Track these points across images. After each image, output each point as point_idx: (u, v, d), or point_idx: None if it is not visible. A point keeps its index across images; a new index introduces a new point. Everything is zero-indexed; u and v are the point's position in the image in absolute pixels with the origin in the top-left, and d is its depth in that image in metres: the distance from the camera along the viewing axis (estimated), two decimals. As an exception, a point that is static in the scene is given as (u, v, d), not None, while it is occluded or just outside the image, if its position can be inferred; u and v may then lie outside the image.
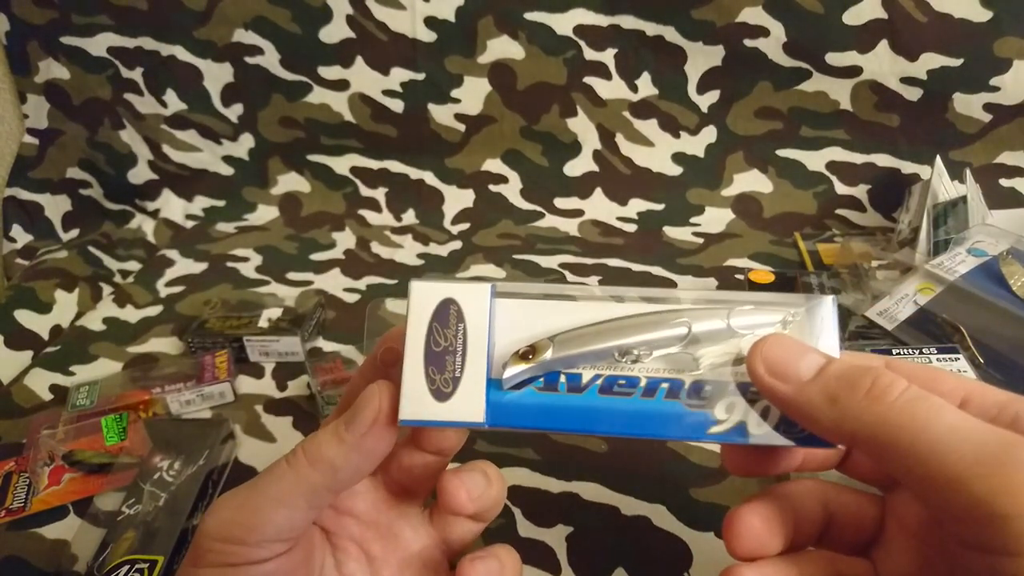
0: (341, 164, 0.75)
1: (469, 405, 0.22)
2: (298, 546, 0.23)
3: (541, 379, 0.23)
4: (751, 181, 0.69)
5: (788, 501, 0.23)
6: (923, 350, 0.43)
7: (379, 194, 0.75)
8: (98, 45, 0.70)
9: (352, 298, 0.62)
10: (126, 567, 0.35)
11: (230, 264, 0.68)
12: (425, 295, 0.23)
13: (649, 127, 0.69)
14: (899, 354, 0.43)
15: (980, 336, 0.45)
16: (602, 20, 0.65)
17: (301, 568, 0.24)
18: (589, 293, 0.24)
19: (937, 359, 0.42)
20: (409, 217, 0.74)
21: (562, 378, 0.23)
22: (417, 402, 0.22)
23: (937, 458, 0.17)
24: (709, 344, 0.23)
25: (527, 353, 0.23)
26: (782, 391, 0.21)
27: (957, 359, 0.42)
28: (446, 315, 0.23)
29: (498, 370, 0.23)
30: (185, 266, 0.68)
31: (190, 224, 0.76)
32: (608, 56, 0.67)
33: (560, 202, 0.72)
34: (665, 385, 0.22)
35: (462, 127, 0.72)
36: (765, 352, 0.21)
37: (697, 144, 0.69)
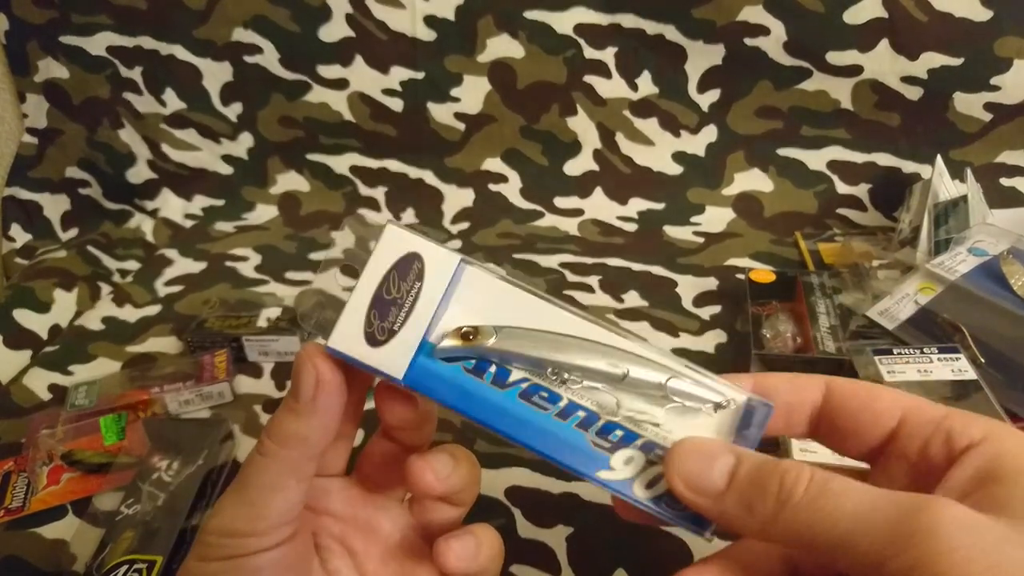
0: (340, 163, 0.75)
1: (394, 359, 0.22)
2: (299, 536, 0.24)
3: (473, 361, 0.23)
4: (752, 180, 0.69)
5: (742, 560, 0.22)
6: (924, 350, 0.43)
7: (378, 193, 0.75)
8: (97, 44, 0.70)
9: (352, 298, 0.61)
10: (125, 567, 0.35)
11: (229, 264, 0.68)
12: (396, 241, 0.23)
13: (649, 126, 0.69)
14: (900, 354, 0.43)
15: (981, 335, 0.45)
16: (602, 19, 0.65)
17: (303, 559, 0.24)
18: (559, 304, 0.24)
19: (938, 359, 0.42)
20: (409, 216, 0.74)
21: (492, 368, 0.23)
22: (349, 337, 0.22)
23: (852, 547, 0.17)
24: (637, 395, 0.23)
25: (469, 334, 0.23)
26: (703, 506, 0.20)
27: (958, 359, 0.42)
28: (407, 268, 0.23)
29: (438, 336, 0.23)
30: (184, 266, 0.68)
31: (189, 224, 0.76)
32: (608, 55, 0.67)
33: (560, 201, 0.72)
34: (581, 414, 0.23)
35: (462, 126, 0.71)
36: (679, 466, 0.21)
37: (698, 143, 0.69)
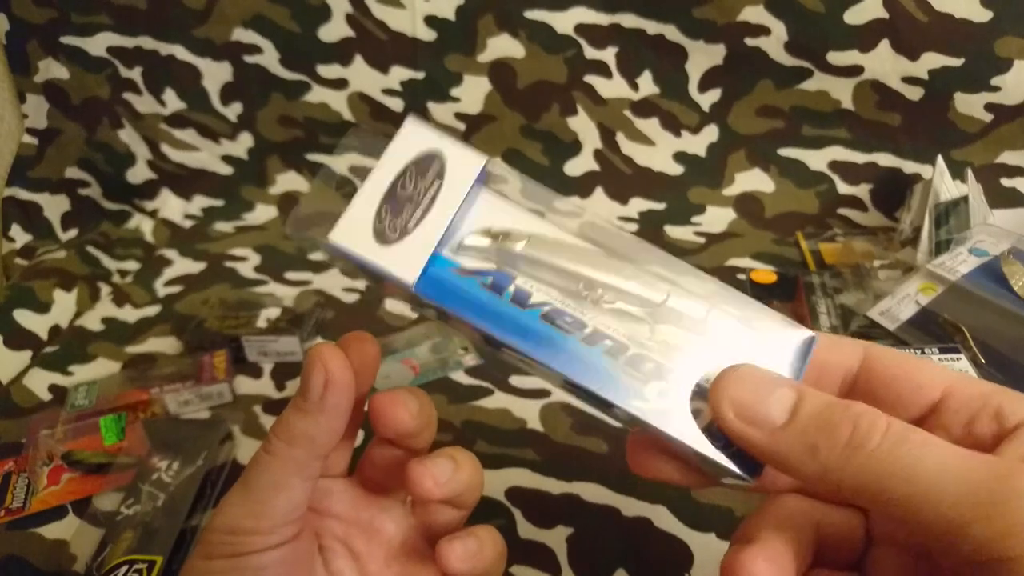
0: (340, 163, 0.75)
1: (406, 261, 0.20)
2: (302, 535, 0.24)
3: (491, 278, 0.21)
4: (753, 180, 0.69)
5: (786, 532, 0.21)
6: (924, 350, 0.43)
7: (379, 193, 0.75)
8: (97, 45, 0.70)
9: (351, 298, 0.61)
10: (125, 567, 0.35)
11: (228, 264, 0.68)
12: (416, 136, 0.21)
13: (650, 126, 0.69)
14: None
15: (982, 336, 0.45)
16: (603, 19, 0.65)
17: (306, 559, 0.24)
18: (590, 232, 0.22)
19: (939, 359, 0.42)
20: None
21: (511, 287, 0.21)
22: (355, 232, 0.20)
23: (931, 506, 0.16)
24: (675, 325, 0.21)
25: (498, 235, 0.21)
26: (755, 439, 0.19)
27: (959, 359, 0.42)
28: (427, 165, 0.21)
29: (453, 249, 0.21)
30: (183, 266, 0.68)
31: (188, 224, 0.76)
32: (609, 55, 0.66)
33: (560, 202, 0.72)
34: (609, 343, 0.21)
35: (462, 126, 0.71)
36: (732, 392, 0.19)
37: (698, 143, 0.69)
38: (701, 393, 0.20)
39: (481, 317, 0.20)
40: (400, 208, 0.21)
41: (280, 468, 0.23)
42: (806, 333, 0.21)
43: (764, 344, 0.21)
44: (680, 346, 0.21)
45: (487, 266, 0.21)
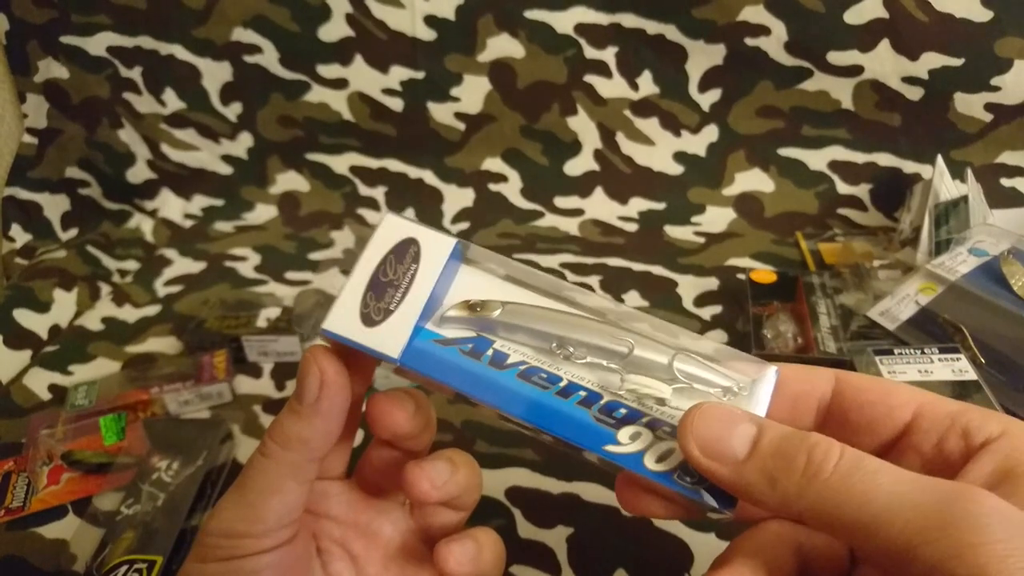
0: (340, 163, 0.75)
1: (390, 339, 0.22)
2: (298, 538, 0.24)
3: (470, 345, 0.23)
4: (752, 180, 0.69)
5: (760, 557, 0.21)
6: (924, 350, 0.43)
7: (378, 193, 0.75)
8: (97, 44, 0.70)
9: (352, 298, 0.61)
10: (124, 567, 0.35)
11: (228, 264, 0.68)
12: (393, 228, 0.24)
13: (650, 126, 0.69)
14: (900, 354, 0.43)
15: (981, 336, 0.45)
16: (603, 18, 0.65)
17: (303, 561, 0.24)
18: (554, 289, 0.24)
19: (939, 359, 0.42)
20: (408, 216, 0.74)
21: (489, 351, 0.23)
22: (345, 319, 0.22)
23: (883, 529, 0.17)
24: (642, 373, 0.23)
25: (475, 306, 0.23)
26: (721, 473, 0.20)
27: (958, 359, 0.42)
28: (404, 252, 0.23)
29: (436, 321, 0.23)
30: (183, 265, 0.68)
31: (188, 223, 0.76)
32: (609, 55, 0.66)
33: (560, 201, 0.72)
34: (583, 393, 0.23)
35: (462, 126, 0.71)
36: (696, 430, 0.20)
37: (698, 143, 0.69)
38: (672, 433, 0.22)
39: (461, 381, 0.23)
40: (382, 293, 0.23)
41: (275, 471, 0.23)
42: (770, 368, 0.23)
43: (731, 382, 0.23)
44: (649, 392, 0.22)
45: (467, 334, 0.24)
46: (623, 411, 0.22)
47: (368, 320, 0.22)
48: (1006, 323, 0.45)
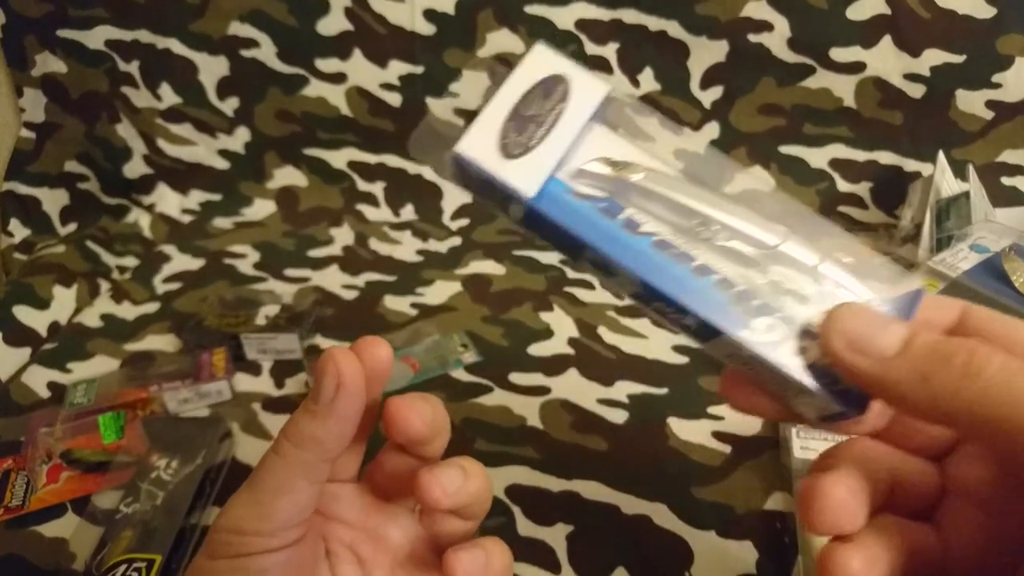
0: (338, 158, 0.74)
1: (526, 175, 0.21)
2: (307, 539, 0.24)
3: (604, 204, 0.22)
4: (753, 178, 0.69)
5: (863, 468, 0.21)
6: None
7: (377, 188, 0.75)
8: (95, 38, 0.70)
9: (350, 295, 0.61)
10: (124, 566, 0.35)
11: (227, 261, 0.68)
12: (544, 60, 0.22)
13: (649, 123, 0.69)
14: None
15: None
16: (604, 14, 0.65)
17: (310, 563, 0.24)
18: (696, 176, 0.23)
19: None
20: (408, 212, 0.74)
21: (623, 215, 0.22)
22: (481, 146, 0.21)
23: None
24: (786, 268, 0.21)
25: (618, 164, 0.22)
26: (864, 367, 0.19)
27: None
28: (553, 88, 0.22)
29: (567, 174, 0.22)
30: (182, 262, 0.68)
31: (187, 219, 0.75)
32: (610, 51, 0.66)
33: (560, 198, 0.72)
34: (718, 277, 0.21)
35: (461, 122, 0.71)
36: (843, 324, 0.20)
37: (698, 141, 0.69)
38: (808, 333, 0.21)
39: (596, 236, 0.21)
40: (524, 126, 0.21)
41: (287, 470, 0.23)
42: (914, 286, 0.22)
43: (874, 294, 0.22)
44: (790, 289, 0.21)
45: (600, 194, 0.22)
46: (758, 302, 0.21)
47: (505, 152, 0.21)
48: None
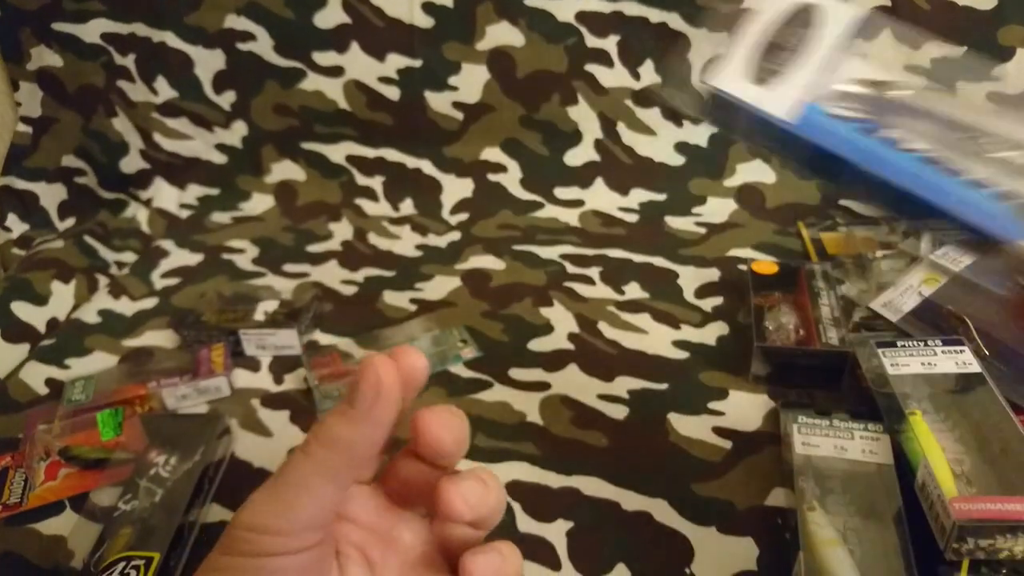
0: (336, 152, 0.74)
1: (783, 100, 0.22)
2: (325, 543, 0.24)
3: (863, 125, 0.22)
4: (754, 171, 0.69)
5: None
6: (928, 342, 0.43)
7: (376, 183, 0.74)
8: (91, 32, 0.69)
9: (349, 290, 0.61)
10: (122, 563, 0.35)
11: (226, 256, 0.67)
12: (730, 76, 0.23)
13: (651, 116, 0.68)
14: (903, 346, 0.43)
15: (985, 327, 0.45)
16: (604, 6, 0.64)
17: (325, 567, 0.24)
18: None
19: (942, 351, 0.42)
20: (407, 207, 0.73)
21: (882, 134, 0.22)
22: (732, 76, 0.22)
23: None
24: None
25: (880, 84, 0.22)
26: None
27: (962, 351, 0.42)
28: (804, 16, 0.22)
29: (821, 97, 0.22)
30: (180, 257, 0.68)
31: (185, 213, 0.75)
32: (610, 43, 0.66)
33: (560, 192, 0.72)
34: (995, 189, 0.21)
35: (460, 115, 0.71)
36: None
37: (700, 134, 0.68)
38: None
39: (863, 156, 0.21)
40: (774, 55, 0.22)
41: (314, 471, 0.23)
42: None
43: None
44: None
45: (858, 115, 0.22)
46: None
47: (757, 79, 0.22)
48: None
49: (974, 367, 0.40)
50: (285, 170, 0.75)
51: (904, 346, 0.43)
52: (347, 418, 0.23)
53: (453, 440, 0.24)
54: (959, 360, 0.41)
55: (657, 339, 0.52)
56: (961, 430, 0.37)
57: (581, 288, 0.59)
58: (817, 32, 0.22)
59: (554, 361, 0.51)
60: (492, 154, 0.72)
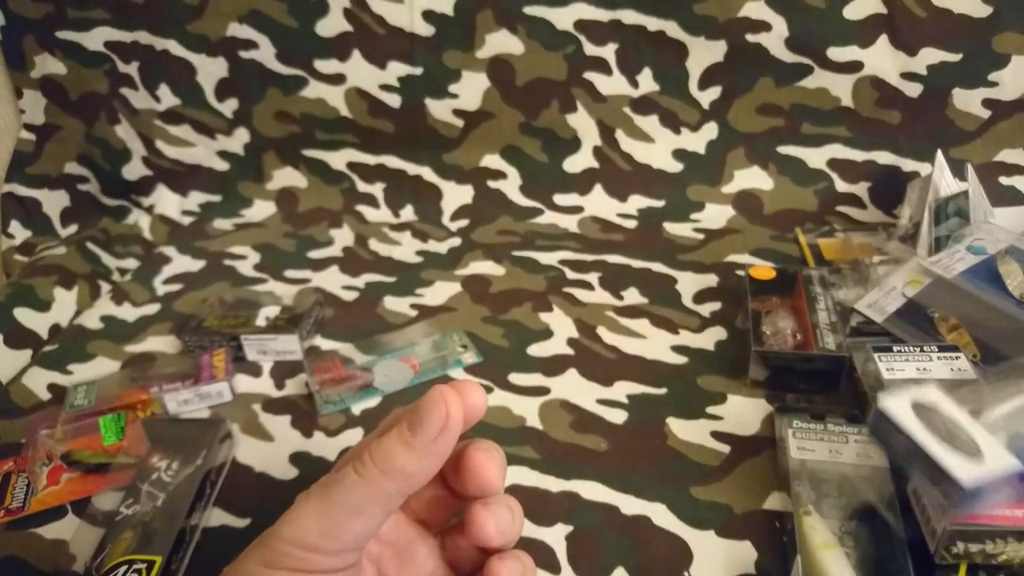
0: (337, 159, 0.74)
1: (1001, 458, 0.29)
2: (360, 562, 0.24)
3: None
4: (752, 178, 0.69)
5: None
6: (923, 348, 0.43)
7: (376, 189, 0.75)
8: (94, 39, 0.70)
9: (350, 296, 0.61)
10: (124, 567, 0.35)
11: (228, 262, 0.68)
12: (897, 406, 0.33)
13: (650, 123, 0.69)
14: (899, 351, 0.43)
15: (971, 330, 0.45)
16: (603, 15, 0.65)
17: None
18: None
19: (937, 357, 0.42)
20: (407, 213, 0.74)
21: None
22: (963, 467, 0.29)
23: None
24: None
25: None
26: None
27: (958, 357, 0.42)
28: (924, 413, 0.31)
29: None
30: (183, 263, 0.68)
31: (187, 220, 0.76)
32: (609, 51, 0.66)
33: (559, 198, 0.72)
34: None
35: (460, 123, 0.71)
36: None
37: (698, 140, 0.69)
38: None
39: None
40: (954, 440, 0.30)
41: (368, 494, 0.22)
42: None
43: None
44: None
45: None
46: None
47: (971, 458, 0.29)
48: (994, 317, 0.45)
49: (969, 373, 0.41)
50: (287, 177, 0.76)
51: (900, 351, 0.43)
52: (410, 448, 0.22)
53: (502, 479, 0.25)
54: (954, 366, 0.42)
55: (656, 344, 0.53)
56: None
57: (580, 293, 0.59)
58: (941, 412, 0.31)
59: (554, 366, 0.51)
60: (492, 161, 0.72)
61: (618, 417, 0.46)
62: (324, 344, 0.55)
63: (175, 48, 0.70)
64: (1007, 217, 0.58)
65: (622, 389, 0.48)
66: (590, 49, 0.66)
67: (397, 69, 0.69)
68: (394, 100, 0.70)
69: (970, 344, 0.45)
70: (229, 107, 0.72)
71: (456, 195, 0.73)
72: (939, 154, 0.60)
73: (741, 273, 0.57)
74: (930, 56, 0.60)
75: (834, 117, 0.65)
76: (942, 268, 0.49)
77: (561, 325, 0.55)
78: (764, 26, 0.62)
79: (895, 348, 0.43)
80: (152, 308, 0.61)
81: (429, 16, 0.66)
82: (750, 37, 0.63)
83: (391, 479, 0.22)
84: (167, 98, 0.72)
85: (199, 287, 0.64)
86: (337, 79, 0.70)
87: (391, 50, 0.68)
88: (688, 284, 0.60)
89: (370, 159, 0.74)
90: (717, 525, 0.38)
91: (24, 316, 0.58)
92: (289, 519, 0.23)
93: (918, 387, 0.33)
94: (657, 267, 0.62)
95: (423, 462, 0.22)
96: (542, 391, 0.48)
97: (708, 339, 0.53)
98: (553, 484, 0.41)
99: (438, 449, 0.22)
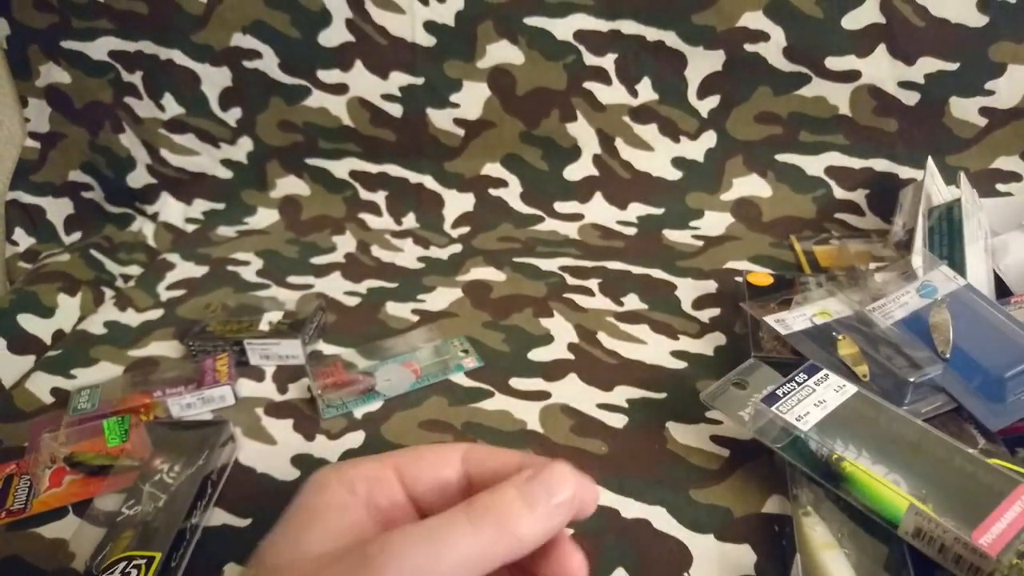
0: (340, 168, 0.75)
1: None
2: None
3: None
4: (750, 186, 0.70)
5: None
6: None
7: (379, 198, 0.75)
8: (99, 49, 0.70)
9: (353, 301, 0.62)
10: (124, 563, 0.35)
11: (231, 268, 0.68)
12: None
13: (649, 132, 0.70)
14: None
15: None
16: (602, 25, 0.66)
17: None
18: None
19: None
20: (409, 221, 0.74)
21: None
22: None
23: None
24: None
25: None
26: None
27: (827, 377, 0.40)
28: None
29: None
30: (186, 270, 0.69)
31: (190, 228, 0.76)
32: (608, 61, 0.67)
33: (560, 206, 0.73)
34: None
35: (461, 132, 0.72)
36: None
37: (697, 149, 0.70)
38: None
39: None
40: None
41: (477, 554, 0.21)
42: None
43: None
44: None
45: None
46: None
47: None
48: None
49: (850, 388, 0.39)
50: (290, 185, 0.76)
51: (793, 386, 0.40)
52: (535, 521, 0.21)
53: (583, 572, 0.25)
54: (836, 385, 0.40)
55: (656, 349, 0.53)
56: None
57: (581, 299, 0.60)
58: None
59: (554, 370, 0.51)
60: (493, 169, 0.73)
61: (618, 421, 0.46)
62: (326, 349, 0.55)
63: (179, 58, 0.71)
64: (997, 208, 0.58)
65: (622, 394, 0.49)
66: (590, 59, 0.67)
67: (399, 79, 0.70)
68: (396, 109, 0.71)
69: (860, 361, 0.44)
70: (233, 116, 0.73)
71: (457, 203, 0.74)
72: (930, 161, 0.60)
73: (739, 279, 0.58)
74: (928, 65, 0.61)
75: (832, 125, 0.66)
76: (882, 314, 0.47)
77: (562, 330, 0.56)
78: (762, 36, 0.63)
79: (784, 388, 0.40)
80: (155, 313, 0.62)
81: (431, 27, 0.67)
82: (748, 47, 0.63)
83: (505, 543, 0.21)
84: (171, 107, 0.73)
85: (202, 292, 0.64)
86: (340, 89, 0.71)
87: (393, 60, 0.69)
88: (687, 290, 0.60)
89: (372, 167, 0.75)
90: (716, 528, 0.38)
91: (27, 322, 0.58)
92: (389, 547, 0.21)
93: None
94: (657, 273, 0.63)
95: (541, 537, 0.21)
96: (543, 395, 0.49)
97: (707, 344, 0.53)
98: (553, 487, 0.41)
99: (555, 524, 0.22)
